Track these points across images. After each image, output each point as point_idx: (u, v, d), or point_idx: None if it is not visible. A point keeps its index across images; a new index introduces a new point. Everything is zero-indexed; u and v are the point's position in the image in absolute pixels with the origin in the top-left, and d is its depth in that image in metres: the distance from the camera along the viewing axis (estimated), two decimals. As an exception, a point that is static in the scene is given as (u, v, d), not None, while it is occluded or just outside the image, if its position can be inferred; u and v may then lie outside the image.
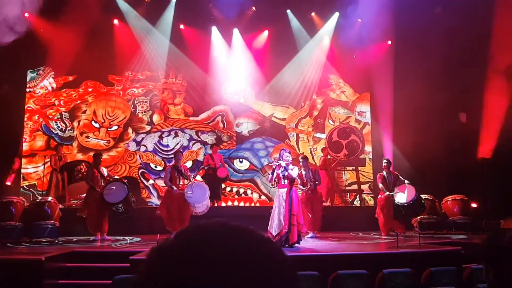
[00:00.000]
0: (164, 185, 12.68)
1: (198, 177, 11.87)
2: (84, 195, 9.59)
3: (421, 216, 10.19)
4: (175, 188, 9.11)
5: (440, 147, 11.22)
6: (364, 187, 13.62)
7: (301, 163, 9.88)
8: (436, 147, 11.18)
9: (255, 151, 13.47)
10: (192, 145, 13.26)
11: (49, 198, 9.52)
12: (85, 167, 11.29)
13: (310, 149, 13.71)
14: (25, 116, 12.77)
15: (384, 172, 10.07)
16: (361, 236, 10.16)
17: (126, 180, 9.88)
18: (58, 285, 6.45)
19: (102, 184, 9.22)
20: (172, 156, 12.91)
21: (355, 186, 13.67)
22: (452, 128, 11.62)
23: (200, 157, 13.17)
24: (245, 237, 0.72)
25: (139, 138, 13.17)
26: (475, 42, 11.29)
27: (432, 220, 10.32)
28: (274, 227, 7.78)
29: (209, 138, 13.39)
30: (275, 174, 8.00)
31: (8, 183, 11.64)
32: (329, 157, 12.92)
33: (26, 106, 12.81)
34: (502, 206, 10.17)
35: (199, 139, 13.37)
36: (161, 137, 13.25)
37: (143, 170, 13.01)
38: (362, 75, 13.50)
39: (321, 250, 7.80)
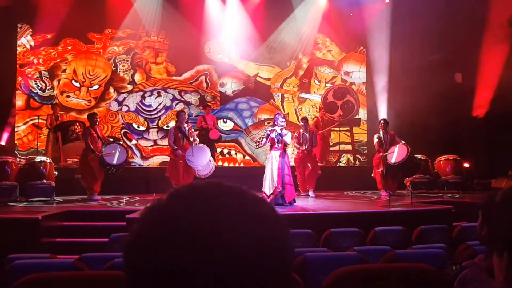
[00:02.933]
0: (147, 145, 12.65)
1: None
2: (78, 156, 9.59)
3: (413, 176, 10.27)
4: (178, 150, 8.98)
5: (434, 107, 11.21)
6: (349, 147, 13.57)
7: (301, 124, 10.15)
8: (431, 107, 11.17)
9: (239, 112, 13.32)
10: (175, 105, 13.07)
11: (45, 158, 9.49)
12: (79, 127, 11.19)
13: (295, 109, 13.57)
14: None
15: (381, 132, 10.07)
16: (355, 195, 10.28)
17: (122, 143, 9.85)
18: (55, 243, 6.52)
19: (99, 144, 9.20)
20: (155, 116, 12.83)
21: (338, 147, 13.59)
22: (447, 88, 11.57)
23: (183, 117, 12.97)
24: (238, 197, 0.72)
25: (121, 98, 12.95)
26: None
27: (424, 180, 10.45)
28: (267, 187, 8.06)
29: (193, 98, 13.20)
30: (268, 139, 8.22)
31: (2, 143, 11.54)
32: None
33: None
34: (493, 166, 10.31)
35: (182, 99, 13.16)
36: (143, 97, 13.04)
37: (125, 130, 12.84)
38: (358, 34, 13.30)
39: (314, 209, 7.96)
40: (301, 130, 10.05)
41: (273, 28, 13.33)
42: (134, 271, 0.69)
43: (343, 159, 13.55)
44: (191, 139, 9.11)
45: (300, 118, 10.45)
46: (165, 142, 12.86)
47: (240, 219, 0.69)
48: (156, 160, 12.78)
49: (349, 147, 13.57)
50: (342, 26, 13.32)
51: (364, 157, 13.48)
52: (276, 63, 13.56)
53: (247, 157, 13.24)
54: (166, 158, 12.62)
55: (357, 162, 13.46)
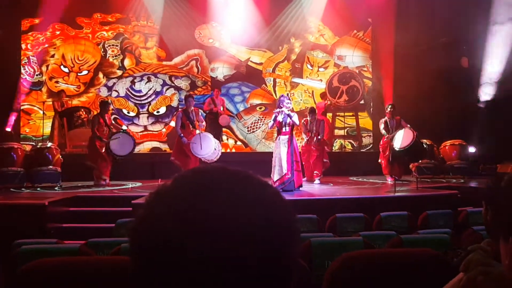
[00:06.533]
0: (137, 130, 12.53)
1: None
2: (84, 142, 9.60)
3: (419, 161, 10.24)
4: (185, 139, 8.79)
5: (440, 92, 11.14)
6: (341, 132, 13.43)
7: (308, 115, 9.95)
8: (436, 91, 11.11)
9: (231, 97, 13.17)
10: (166, 91, 12.94)
11: (49, 144, 9.47)
12: (84, 113, 11.15)
13: (288, 94, 13.38)
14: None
15: (387, 117, 9.96)
16: (360, 181, 10.24)
17: (130, 132, 9.80)
18: (61, 228, 6.60)
19: (106, 132, 9.13)
20: (145, 101, 12.70)
21: (344, 132, 13.47)
22: (453, 72, 11.51)
23: (174, 103, 12.87)
24: (243, 181, 0.72)
25: (110, 83, 12.82)
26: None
27: (430, 165, 10.43)
28: (275, 173, 7.98)
29: (183, 83, 13.05)
30: (275, 121, 8.08)
31: (8, 129, 11.52)
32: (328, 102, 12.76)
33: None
34: (499, 151, 10.25)
35: (172, 84, 13.02)
36: (133, 82, 12.89)
37: (115, 116, 12.68)
38: (361, 17, 13.18)
39: (320, 194, 8.03)
40: (308, 121, 9.87)
41: (276, 12, 13.14)
42: (139, 256, 0.69)
43: (336, 145, 13.40)
44: (198, 127, 8.92)
45: (309, 109, 10.27)
46: (155, 127, 12.80)
47: (245, 203, 0.69)
48: (146, 146, 12.67)
49: (342, 132, 13.44)
50: (345, 10, 13.06)
51: (358, 142, 13.37)
52: (268, 48, 13.37)
53: (238, 143, 13.12)
54: (157, 144, 12.59)
55: (348, 147, 13.35)
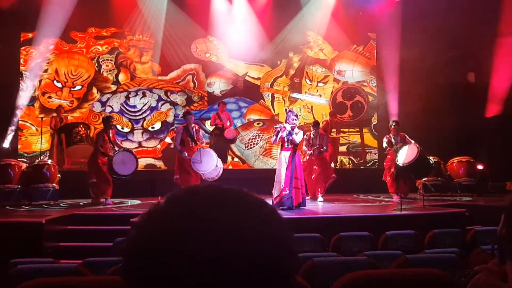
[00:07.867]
0: (132, 147, 12.22)
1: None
2: (83, 159, 9.50)
3: (425, 178, 10.06)
4: (185, 153, 8.66)
5: (446, 107, 11.04)
6: (342, 148, 13.09)
7: (311, 129, 9.76)
8: (443, 107, 11.01)
9: (228, 112, 12.85)
10: (161, 106, 12.71)
11: (49, 161, 9.35)
12: (83, 129, 10.98)
13: (286, 109, 13.09)
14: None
15: (391, 134, 9.77)
16: (366, 199, 10.07)
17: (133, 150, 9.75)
18: (59, 247, 6.51)
19: (110, 149, 8.93)
20: (140, 117, 12.43)
21: (346, 148, 13.22)
22: (460, 88, 11.41)
23: (170, 118, 12.61)
24: (237, 199, 0.71)
25: (104, 99, 12.63)
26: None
27: (437, 182, 10.27)
28: (275, 189, 7.86)
29: (179, 99, 12.81)
30: (278, 136, 7.93)
31: (6, 146, 11.38)
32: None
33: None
34: (507, 168, 10.18)
35: (168, 99, 12.80)
36: (127, 97, 12.69)
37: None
38: (365, 33, 13.15)
39: (324, 212, 7.94)
40: (311, 135, 9.61)
41: (279, 27, 12.98)
42: (131, 276, 0.68)
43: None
44: (199, 144, 8.80)
45: (313, 122, 10.02)
46: (150, 144, 12.53)
47: (239, 221, 0.68)
48: (141, 163, 12.28)
49: (343, 148, 13.11)
50: (347, 24, 12.98)
51: (359, 159, 13.05)
52: (266, 62, 13.14)
53: (236, 159, 12.81)
54: (151, 161, 12.30)
55: (349, 165, 13.02)
